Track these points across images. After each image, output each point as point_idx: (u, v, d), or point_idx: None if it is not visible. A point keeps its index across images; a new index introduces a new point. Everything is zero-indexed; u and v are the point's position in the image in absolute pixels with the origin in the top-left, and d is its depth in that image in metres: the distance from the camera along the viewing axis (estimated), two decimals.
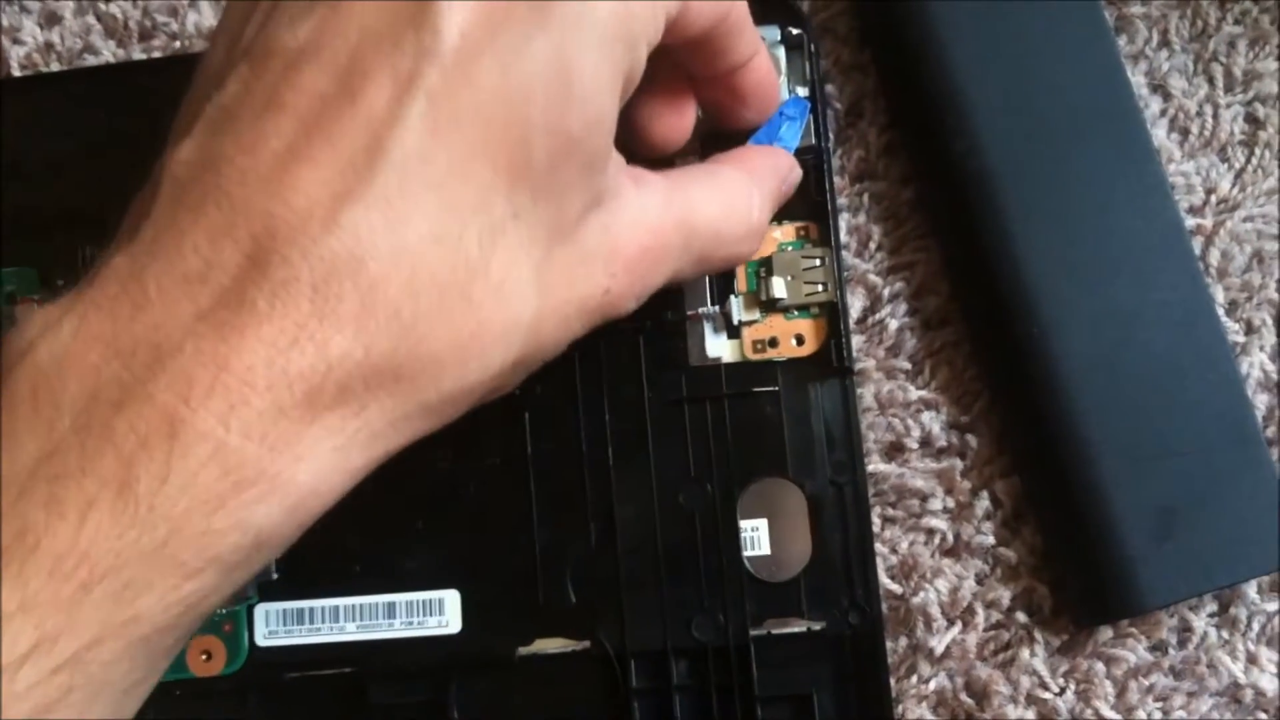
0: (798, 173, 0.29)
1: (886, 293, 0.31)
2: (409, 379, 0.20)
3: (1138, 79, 0.32)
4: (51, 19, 0.34)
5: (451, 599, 0.29)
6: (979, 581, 0.30)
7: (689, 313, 0.30)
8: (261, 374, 0.19)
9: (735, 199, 0.26)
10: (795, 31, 0.30)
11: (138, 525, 0.18)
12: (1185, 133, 0.32)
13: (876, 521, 0.30)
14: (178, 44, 0.33)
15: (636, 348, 0.30)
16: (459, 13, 0.20)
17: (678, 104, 0.27)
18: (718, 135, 0.29)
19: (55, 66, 0.34)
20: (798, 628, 0.29)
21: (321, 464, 0.20)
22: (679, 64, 0.26)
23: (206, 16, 0.33)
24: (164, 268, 0.19)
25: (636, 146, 0.27)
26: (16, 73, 0.33)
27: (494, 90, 0.20)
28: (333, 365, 0.19)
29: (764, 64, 0.27)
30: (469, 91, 0.20)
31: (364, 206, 0.19)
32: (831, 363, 0.30)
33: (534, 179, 0.21)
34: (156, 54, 0.33)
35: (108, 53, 0.34)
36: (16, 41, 0.34)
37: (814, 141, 0.30)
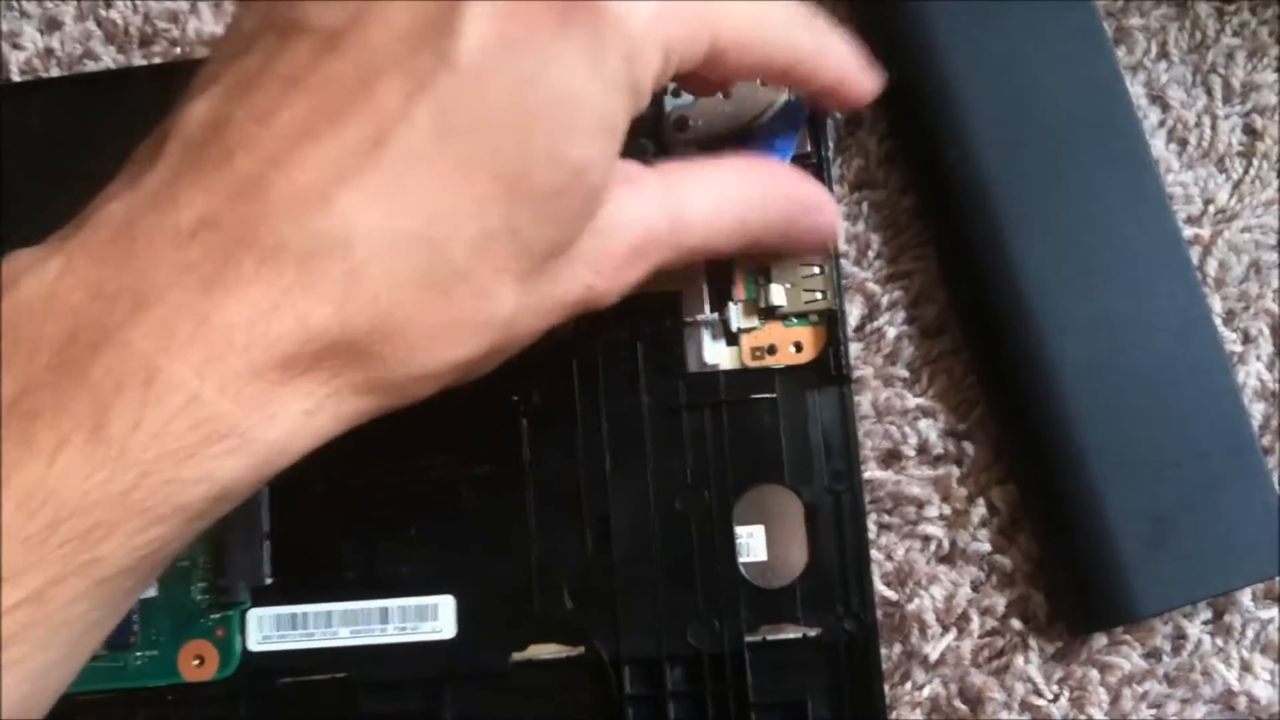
0: (814, 200, 0.28)
1: (885, 301, 0.31)
2: (380, 359, 0.21)
3: (1136, 90, 0.32)
4: (52, 24, 0.34)
5: (446, 605, 0.29)
6: (974, 588, 0.30)
7: (687, 320, 0.30)
8: (241, 333, 0.19)
9: (728, 194, 0.26)
10: None
11: (107, 467, 0.18)
12: (1184, 143, 0.32)
13: (872, 528, 0.30)
14: (178, 50, 0.34)
15: (634, 354, 0.30)
16: (483, 25, 0.21)
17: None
18: (718, 137, 0.29)
19: (55, 72, 0.34)
20: (793, 634, 0.29)
21: (291, 425, 0.20)
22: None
23: (207, 23, 0.33)
24: (158, 220, 0.20)
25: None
26: (16, 78, 0.34)
27: (502, 107, 0.21)
28: (310, 336, 0.20)
29: (833, 48, 0.27)
30: (478, 104, 0.20)
31: (360, 193, 0.20)
32: (829, 370, 0.30)
33: (534, 201, 0.21)
34: (157, 60, 0.33)
35: (108, 58, 0.34)
36: (16, 47, 0.34)
37: (809, 149, 0.30)
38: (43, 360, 0.19)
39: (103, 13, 0.34)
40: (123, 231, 0.20)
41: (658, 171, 0.25)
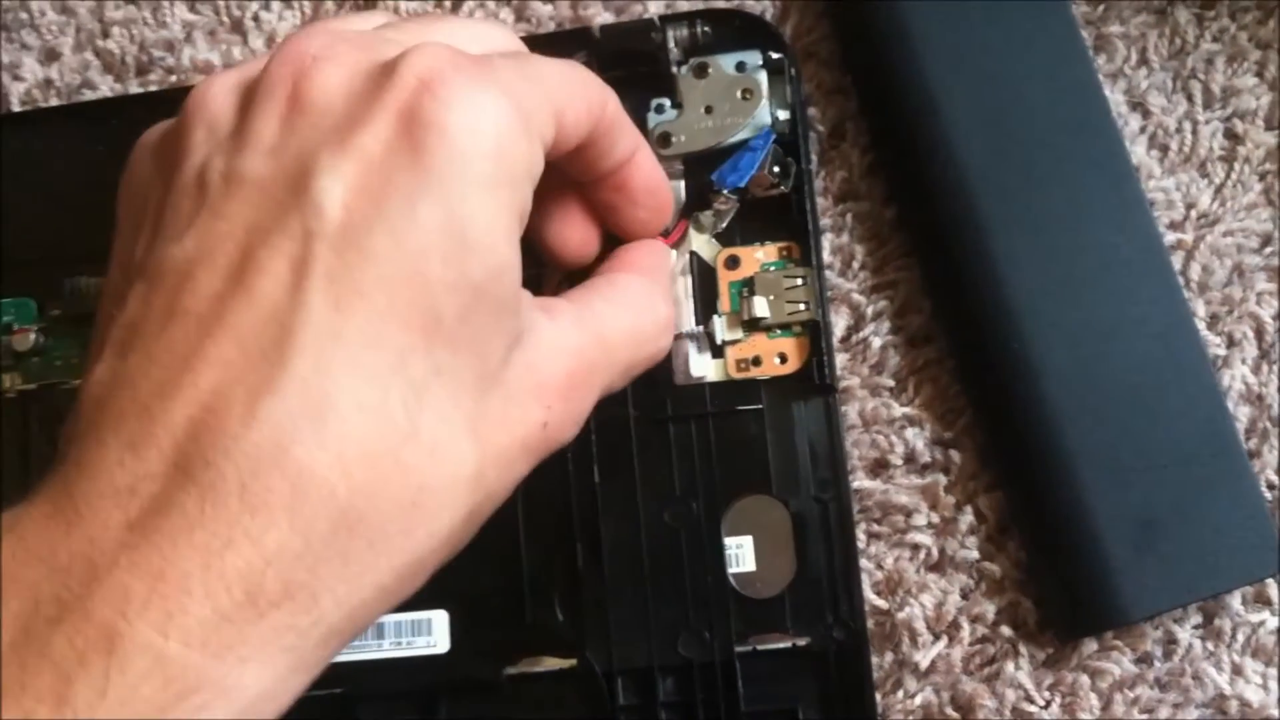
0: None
1: (870, 311, 0.32)
2: (357, 560, 0.20)
3: (1117, 97, 0.32)
4: (51, 55, 0.35)
5: (439, 619, 0.30)
6: (964, 596, 0.30)
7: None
8: (198, 580, 0.18)
9: (640, 303, 0.26)
10: (776, 56, 0.31)
11: None
12: (1165, 149, 0.32)
13: (862, 537, 0.31)
14: (174, 78, 0.34)
15: None
16: (338, 188, 0.20)
17: (581, 219, 0.27)
18: (699, 152, 0.30)
19: (55, 102, 0.34)
20: (783, 643, 0.29)
21: (272, 666, 0.19)
22: (565, 174, 0.26)
23: (201, 50, 0.34)
24: (91, 484, 0.19)
25: (552, 264, 0.28)
26: (17, 108, 0.34)
27: (390, 258, 0.20)
28: (270, 560, 0.19)
29: (648, 159, 0.27)
30: (365, 263, 0.20)
31: (279, 396, 0.19)
32: (814, 380, 0.30)
33: (449, 333, 0.21)
34: (153, 88, 0.34)
35: (105, 87, 0.34)
36: (17, 78, 0.35)
37: (771, 172, 0.30)
38: (5, 639, 0.18)
39: (100, 43, 0.35)
40: (63, 501, 0.19)
41: (569, 298, 0.25)
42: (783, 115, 0.30)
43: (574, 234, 0.28)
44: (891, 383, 0.31)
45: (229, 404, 0.19)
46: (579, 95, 0.24)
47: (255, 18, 0.34)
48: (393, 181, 0.20)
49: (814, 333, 0.30)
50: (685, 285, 0.31)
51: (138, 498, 0.19)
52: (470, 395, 0.21)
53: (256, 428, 0.19)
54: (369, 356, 0.20)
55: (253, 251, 0.20)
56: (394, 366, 0.20)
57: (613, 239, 0.29)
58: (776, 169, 0.30)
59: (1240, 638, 0.30)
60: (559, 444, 0.24)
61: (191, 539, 0.19)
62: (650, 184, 0.28)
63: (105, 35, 0.35)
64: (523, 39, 0.32)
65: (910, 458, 0.31)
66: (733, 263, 0.31)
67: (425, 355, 0.21)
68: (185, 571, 0.18)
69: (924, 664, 0.30)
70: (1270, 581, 0.30)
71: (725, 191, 0.30)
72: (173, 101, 0.32)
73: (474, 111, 0.21)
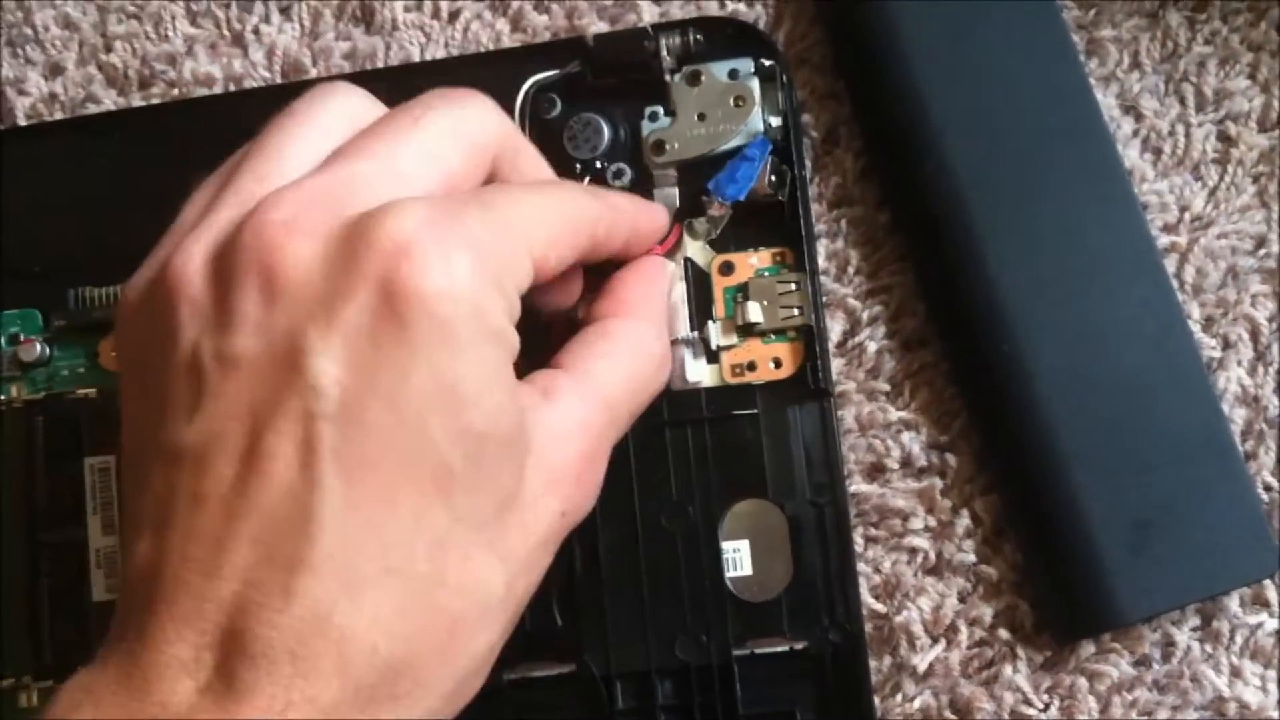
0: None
1: (865, 316, 0.32)
2: (406, 695, 0.21)
3: (1109, 101, 0.32)
4: (55, 70, 0.35)
5: None
6: (961, 599, 0.30)
7: None
8: None
9: (634, 349, 0.27)
10: (768, 63, 0.31)
11: None
12: (1158, 152, 0.32)
13: (859, 541, 0.31)
14: (176, 91, 0.35)
15: None
16: (332, 367, 0.21)
17: (561, 277, 0.27)
18: (692, 160, 0.30)
19: (59, 115, 0.35)
20: (780, 647, 0.29)
21: None
22: None
23: (203, 63, 0.35)
24: (156, 655, 0.20)
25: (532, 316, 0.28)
26: (22, 122, 0.35)
27: (392, 428, 0.21)
28: (327, 712, 0.20)
29: (646, 224, 0.28)
30: (369, 437, 0.21)
31: (312, 571, 0.20)
32: (809, 385, 0.30)
33: (463, 481, 0.22)
34: (156, 100, 0.35)
35: (109, 101, 0.35)
36: (22, 92, 0.35)
37: (767, 182, 0.30)
38: None
39: (103, 57, 0.35)
40: (133, 670, 0.20)
41: (566, 368, 0.26)
42: (775, 122, 0.31)
43: (555, 294, 0.28)
44: (887, 387, 0.31)
45: (268, 582, 0.20)
46: (560, 230, 0.25)
47: (255, 30, 0.35)
48: (382, 354, 0.21)
49: (808, 338, 0.30)
50: (680, 291, 0.31)
51: (202, 668, 0.20)
52: (490, 526, 0.22)
53: (296, 602, 0.20)
54: (388, 521, 0.21)
55: (260, 435, 0.21)
56: (414, 524, 0.21)
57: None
58: (773, 178, 0.30)
59: (1239, 640, 0.30)
60: (580, 520, 0.25)
61: (254, 704, 0.20)
62: (644, 246, 0.28)
63: (108, 50, 0.35)
64: (519, 49, 0.33)
65: (907, 461, 0.31)
66: (727, 268, 0.31)
67: (443, 506, 0.22)
68: None
69: (922, 667, 0.30)
70: (1268, 583, 0.30)
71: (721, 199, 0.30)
72: (174, 115, 0.33)
73: (449, 277, 0.21)
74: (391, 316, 0.21)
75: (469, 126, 0.25)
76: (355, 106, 0.25)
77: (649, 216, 0.29)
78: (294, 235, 0.22)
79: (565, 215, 0.25)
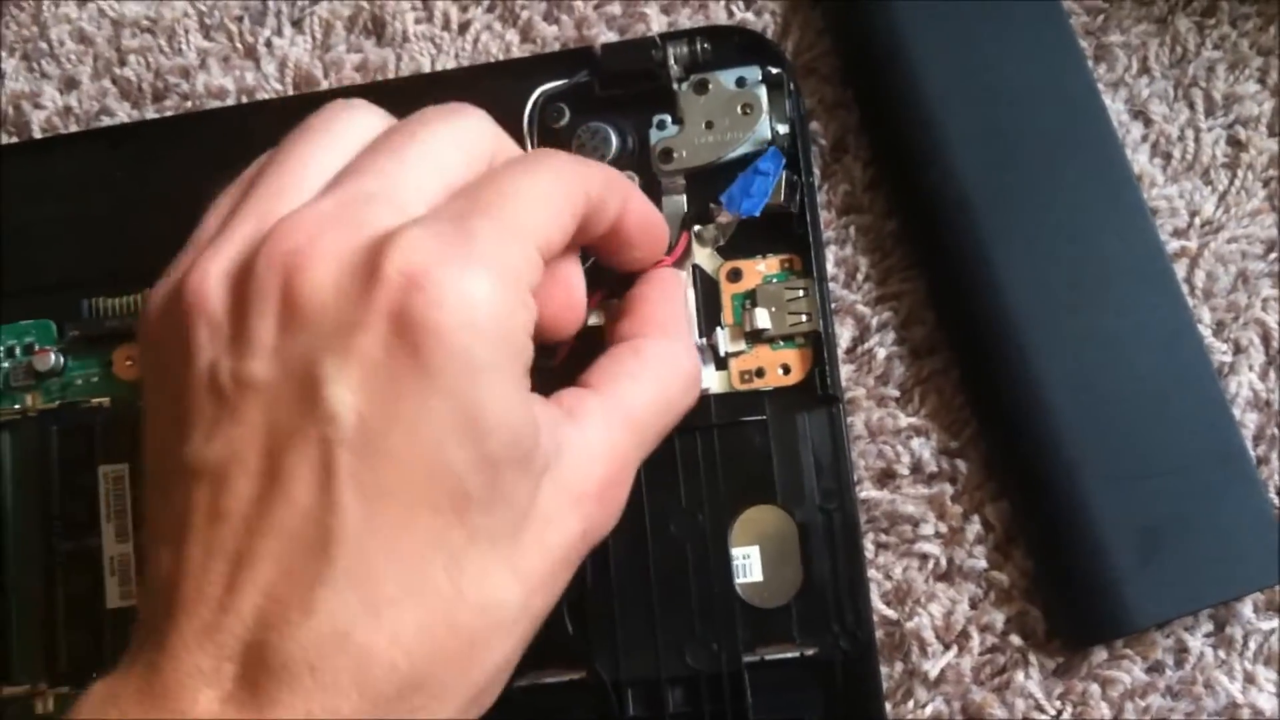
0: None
1: (875, 322, 0.32)
2: (423, 709, 0.22)
3: (1118, 106, 0.32)
4: (70, 84, 0.36)
5: None
6: (972, 605, 0.30)
7: None
8: None
9: (666, 368, 0.27)
10: (775, 71, 0.31)
11: None
12: (1168, 157, 0.32)
13: (870, 548, 0.31)
14: (189, 103, 0.35)
15: None
16: (349, 396, 0.21)
17: (563, 298, 0.27)
18: (701, 168, 0.30)
19: (74, 128, 0.35)
20: (791, 653, 0.29)
21: None
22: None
23: (215, 76, 0.35)
24: (178, 665, 0.21)
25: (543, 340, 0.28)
26: (38, 135, 0.35)
27: (410, 455, 0.21)
28: None
29: (638, 205, 0.27)
30: (387, 464, 0.21)
31: (332, 589, 0.21)
32: (818, 391, 0.30)
33: (480, 502, 0.22)
34: (169, 113, 0.35)
35: (123, 114, 0.35)
36: (38, 106, 0.35)
37: (783, 196, 0.30)
38: None
39: (118, 71, 0.35)
40: (154, 679, 0.21)
41: (594, 387, 0.26)
42: (782, 129, 0.31)
43: (559, 318, 0.27)
44: (897, 393, 0.31)
45: (287, 597, 0.21)
46: (558, 209, 0.25)
47: (268, 43, 0.35)
48: (400, 384, 0.21)
49: (816, 344, 0.30)
50: (689, 298, 0.31)
51: (223, 679, 0.21)
52: (508, 540, 0.23)
53: (317, 618, 0.21)
54: (407, 543, 0.21)
55: (279, 456, 0.21)
56: (432, 545, 0.22)
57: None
58: (785, 189, 0.30)
59: (1252, 645, 0.29)
60: (600, 539, 0.25)
61: (275, 714, 0.20)
62: (644, 225, 0.28)
63: (122, 63, 0.36)
64: (528, 59, 0.33)
65: (917, 468, 0.31)
66: (735, 275, 0.31)
67: (460, 527, 0.22)
68: None
69: (934, 674, 0.30)
70: None
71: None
72: (187, 126, 0.34)
73: (465, 305, 0.21)
74: (407, 348, 0.21)
75: (468, 136, 0.25)
76: (368, 123, 0.25)
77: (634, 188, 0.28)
78: (309, 262, 0.22)
79: (559, 184, 0.25)
